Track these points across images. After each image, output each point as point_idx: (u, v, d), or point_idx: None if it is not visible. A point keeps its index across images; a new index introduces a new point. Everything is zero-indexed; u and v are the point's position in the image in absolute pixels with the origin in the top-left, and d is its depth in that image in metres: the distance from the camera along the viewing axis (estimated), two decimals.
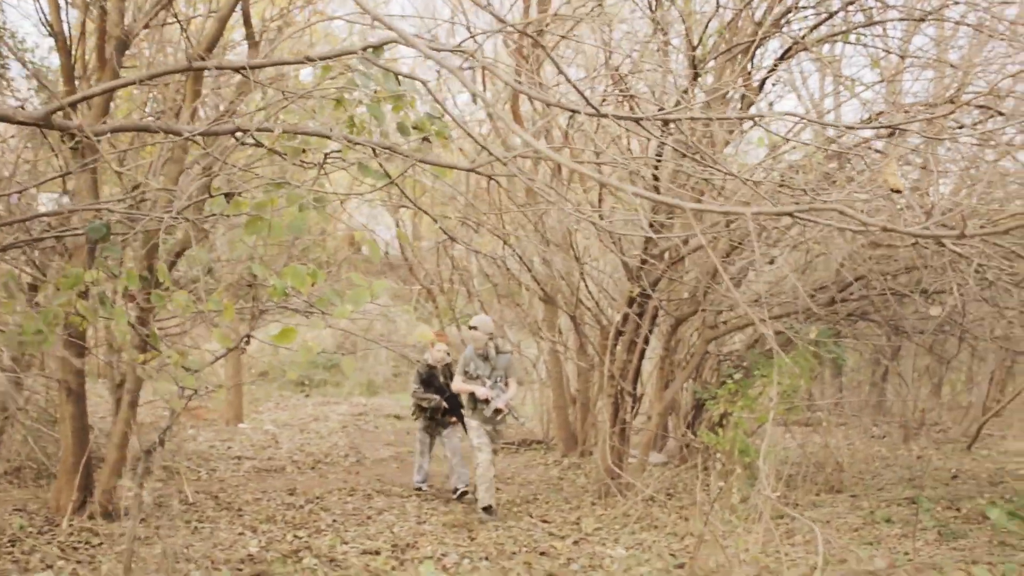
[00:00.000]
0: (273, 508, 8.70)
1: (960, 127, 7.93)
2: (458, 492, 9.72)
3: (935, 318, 9.01)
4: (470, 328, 9.19)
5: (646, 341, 10.00)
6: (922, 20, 8.33)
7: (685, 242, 9.02)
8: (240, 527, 7.87)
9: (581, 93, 3.47)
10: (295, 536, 7.71)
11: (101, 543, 7.17)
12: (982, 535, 8.21)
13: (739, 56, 8.93)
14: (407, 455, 12.09)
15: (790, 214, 3.22)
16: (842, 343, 11.20)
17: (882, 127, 6.52)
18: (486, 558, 7.33)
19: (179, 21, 7.00)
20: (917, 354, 15.24)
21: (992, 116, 7.54)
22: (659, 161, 8.48)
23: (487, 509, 8.88)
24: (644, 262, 9.08)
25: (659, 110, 8.60)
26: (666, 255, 9.20)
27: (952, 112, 7.61)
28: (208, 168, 6.83)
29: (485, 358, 9.21)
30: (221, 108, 7.74)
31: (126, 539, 3.90)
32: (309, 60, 3.76)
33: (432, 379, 10.03)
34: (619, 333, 9.82)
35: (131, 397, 7.72)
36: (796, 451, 10.79)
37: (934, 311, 7.87)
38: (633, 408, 10.14)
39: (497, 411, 9.05)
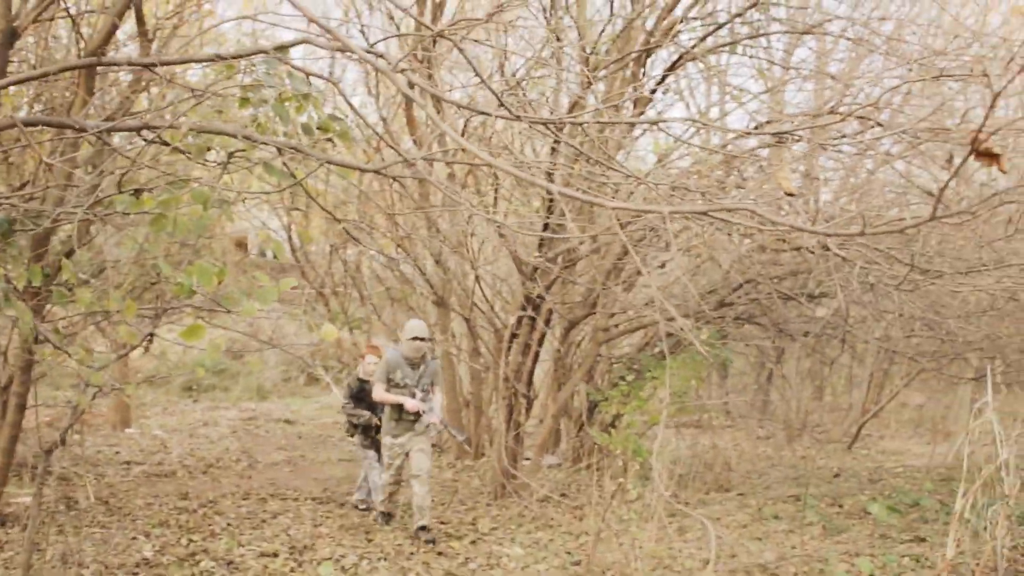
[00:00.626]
0: (166, 513, 8.59)
1: (842, 137, 8.26)
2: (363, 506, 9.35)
3: (820, 320, 9.37)
4: (413, 339, 8.34)
5: (540, 343, 10.16)
6: (805, 33, 8.68)
7: (580, 245, 9.21)
8: (133, 532, 7.76)
9: (498, 97, 3.58)
10: (189, 540, 7.64)
11: None
12: (864, 529, 8.58)
13: (631, 65, 9.16)
14: (299, 459, 12.03)
15: (705, 212, 3.37)
16: (729, 346, 11.54)
17: (771, 134, 6.78)
18: (384, 559, 7.38)
19: (71, 16, 6.88)
20: (800, 357, 15.75)
21: (871, 127, 7.89)
22: (553, 165, 8.64)
23: (385, 516, 8.66)
24: (537, 266, 9.23)
25: (551, 115, 8.80)
26: (559, 258, 9.34)
27: (836, 123, 7.95)
28: (96, 166, 6.76)
29: (417, 365, 8.44)
30: (112, 106, 7.63)
31: (25, 543, 3.86)
32: (220, 58, 3.79)
33: (363, 394, 9.24)
34: (513, 336, 9.95)
35: (18, 400, 7.55)
36: (686, 451, 11.08)
37: (820, 312, 8.21)
38: (527, 410, 10.29)
39: (430, 425, 8.38)
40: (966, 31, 8.93)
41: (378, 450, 9.22)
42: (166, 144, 4.55)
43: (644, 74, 9.21)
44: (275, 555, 7.27)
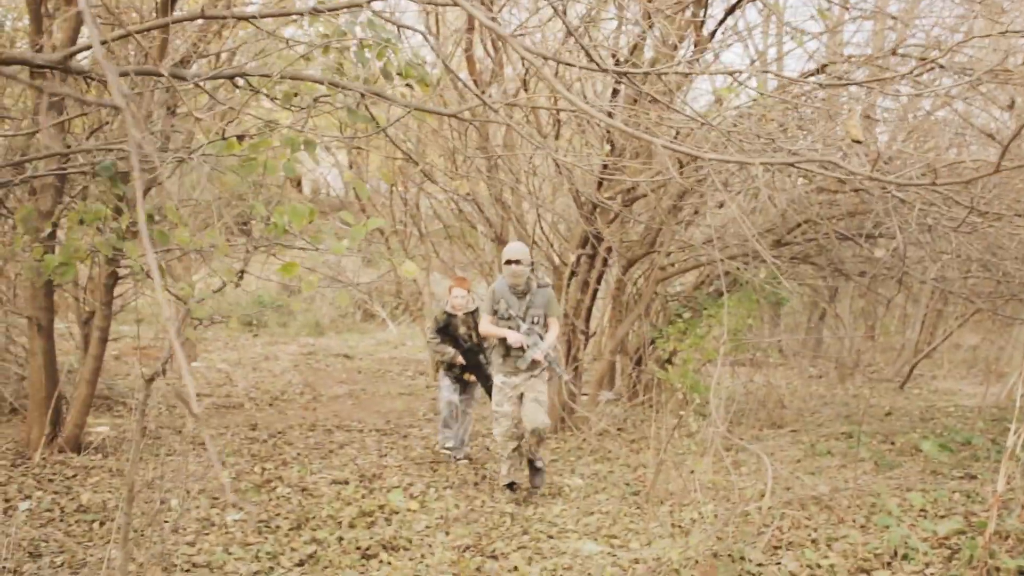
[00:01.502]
0: (238, 443, 9.00)
1: (901, 77, 8.34)
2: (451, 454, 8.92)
3: (877, 260, 9.52)
4: (507, 263, 7.45)
5: (598, 281, 10.41)
6: None
7: (638, 184, 9.40)
8: (207, 460, 8.16)
9: (584, 47, 3.78)
10: (263, 468, 8.04)
11: (75, 475, 7.45)
12: (915, 466, 8.80)
13: (691, 5, 9.26)
14: (360, 392, 12.42)
15: (792, 164, 3.58)
16: (784, 285, 11.73)
17: (825, 84, 6.92)
18: (450, 487, 7.74)
19: None
20: (854, 297, 15.89)
21: (931, 68, 7.97)
22: (614, 106, 8.82)
23: (510, 486, 7.75)
24: (597, 204, 9.42)
25: (621, 61, 8.94)
26: (619, 197, 9.53)
27: (895, 65, 8.05)
28: (171, 110, 7.06)
29: (523, 294, 7.58)
30: (182, 51, 7.89)
31: (128, 470, 4.19)
32: (316, 11, 4.03)
33: (450, 328, 8.76)
34: (572, 273, 10.20)
35: (100, 333, 7.95)
36: (740, 389, 11.32)
37: (878, 252, 8.37)
38: (585, 346, 10.57)
39: (534, 362, 7.51)
40: None
41: (464, 391, 8.99)
42: (256, 91, 4.83)
43: (705, 14, 9.31)
44: (346, 483, 7.64)
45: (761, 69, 8.19)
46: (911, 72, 8.27)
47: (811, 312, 16.85)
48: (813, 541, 6.24)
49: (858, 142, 3.73)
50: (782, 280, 9.92)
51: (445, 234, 13.07)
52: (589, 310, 10.45)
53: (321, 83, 4.62)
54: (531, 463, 7.79)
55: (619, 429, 10.09)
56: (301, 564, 5.69)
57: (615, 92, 9.22)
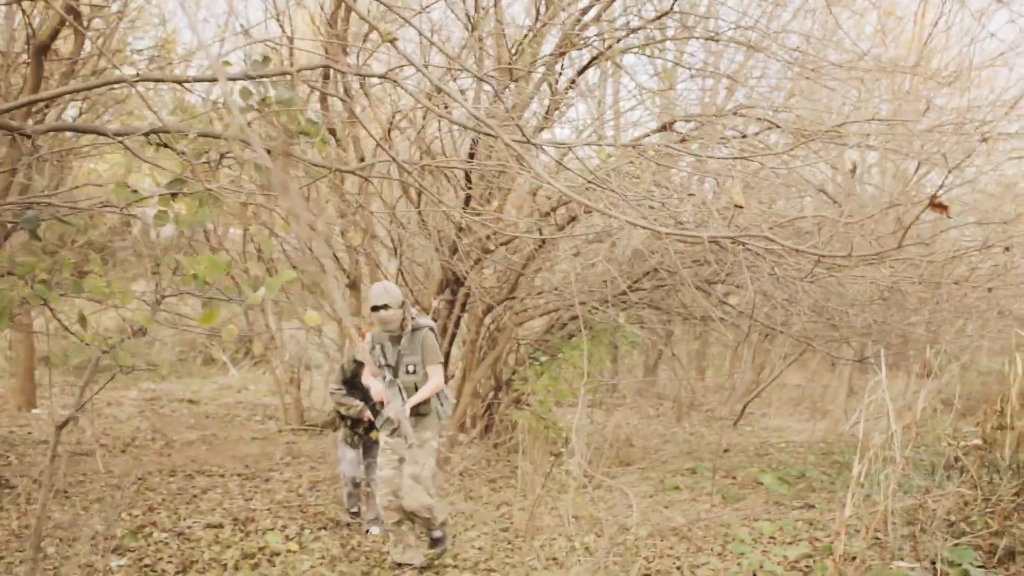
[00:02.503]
0: (99, 489, 8.98)
1: (743, 136, 9.11)
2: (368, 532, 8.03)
3: (731, 306, 10.28)
4: (373, 309, 6.59)
5: (456, 326, 10.83)
6: (709, 39, 9.49)
7: (494, 234, 9.88)
8: (70, 508, 8.16)
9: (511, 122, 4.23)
10: (130, 515, 8.08)
11: None
12: (759, 498, 9.52)
13: (544, 68, 9.86)
14: (212, 438, 12.42)
15: (734, 239, 4.07)
16: (626, 329, 12.40)
17: (705, 157, 7.58)
18: (324, 528, 7.97)
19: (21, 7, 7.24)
20: (689, 339, 16.81)
21: (769, 128, 8.76)
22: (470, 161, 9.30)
23: (398, 567, 6.92)
24: (457, 251, 9.85)
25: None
26: (479, 244, 9.98)
27: (729, 120, 8.82)
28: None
29: (397, 339, 6.74)
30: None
31: (38, 517, 4.36)
32: (250, 77, 4.34)
33: (357, 380, 7.91)
34: (433, 318, 10.58)
35: None
36: (591, 428, 11.91)
37: (733, 300, 9.07)
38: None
39: (389, 421, 6.68)
40: (844, 38, 9.92)
41: (369, 453, 8.23)
42: (167, 147, 5.08)
43: (559, 74, 9.91)
44: (220, 526, 7.78)
45: (591, 141, 8.82)
46: (756, 133, 9.09)
47: (647, 354, 17.69)
48: (678, 568, 6.79)
49: (740, 207, 4.26)
50: (623, 324, 10.55)
51: (298, 281, 13.23)
52: (448, 354, 10.85)
53: (232, 140, 4.93)
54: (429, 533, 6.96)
55: (476, 470, 10.48)
56: None
57: (474, 144, 9.69)
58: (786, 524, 8.12)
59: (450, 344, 10.82)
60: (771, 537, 7.67)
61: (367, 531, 8.00)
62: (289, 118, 5.16)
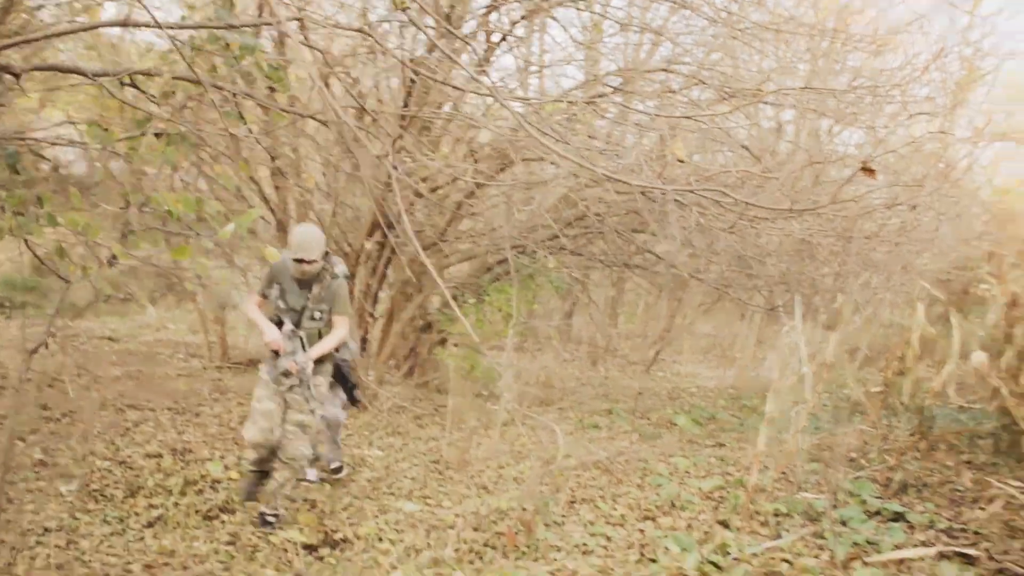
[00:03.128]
0: (32, 422, 9.18)
1: (671, 92, 9.57)
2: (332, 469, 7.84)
3: (655, 255, 10.81)
4: (297, 261, 6.19)
5: (386, 267, 11.19)
6: None
7: (425, 179, 10.22)
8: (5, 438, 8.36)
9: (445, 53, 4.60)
10: (68, 446, 8.32)
11: None
12: (673, 437, 10.13)
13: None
14: (138, 373, 12.62)
15: (692, 191, 4.49)
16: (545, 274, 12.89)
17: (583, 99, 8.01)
18: None
19: None
20: (605, 286, 17.39)
21: (696, 84, 9.23)
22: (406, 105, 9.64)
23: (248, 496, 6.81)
24: (390, 191, 10.16)
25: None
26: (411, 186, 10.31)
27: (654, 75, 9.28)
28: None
29: (306, 284, 6.37)
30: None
31: (5, 442, 4.67)
32: (233, 27, 4.65)
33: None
34: (363, 259, 10.92)
35: None
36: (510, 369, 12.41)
37: (659, 248, 9.58)
38: (372, 328, 11.32)
39: (286, 374, 6.26)
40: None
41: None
42: (136, 88, 5.36)
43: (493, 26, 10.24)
44: (160, 456, 8.08)
45: (512, 96, 9.22)
46: (681, 89, 9.55)
47: (565, 300, 18.25)
48: (601, 497, 7.34)
49: (681, 161, 4.70)
50: (551, 268, 11.04)
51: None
52: (376, 295, 11.22)
53: (199, 83, 5.23)
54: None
55: (403, 406, 10.89)
56: (151, 525, 6.23)
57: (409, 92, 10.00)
58: (700, 460, 8.72)
59: (380, 285, 11.18)
60: (686, 471, 8.26)
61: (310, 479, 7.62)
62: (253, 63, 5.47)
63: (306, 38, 9.77)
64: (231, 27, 4.55)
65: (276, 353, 6.31)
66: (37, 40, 4.32)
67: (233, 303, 13.98)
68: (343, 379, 7.27)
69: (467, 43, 9.96)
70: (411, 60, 9.45)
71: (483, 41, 10.14)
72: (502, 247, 10.09)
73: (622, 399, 12.75)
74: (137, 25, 4.36)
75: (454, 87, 8.18)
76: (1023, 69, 19.87)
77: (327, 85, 10.14)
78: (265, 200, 12.07)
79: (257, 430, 6.39)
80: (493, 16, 10.17)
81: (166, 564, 5.55)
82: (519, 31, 10.64)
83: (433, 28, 9.35)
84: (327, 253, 6.43)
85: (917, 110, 9.97)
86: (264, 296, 6.47)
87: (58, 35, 4.79)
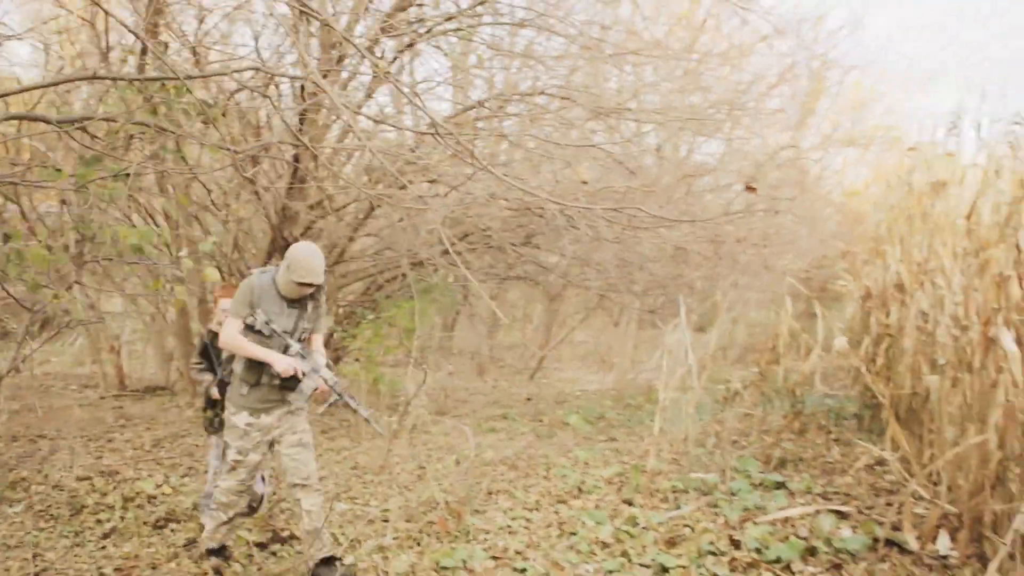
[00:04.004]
0: None
1: (547, 113, 10.45)
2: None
3: (542, 266, 11.68)
4: (301, 285, 5.64)
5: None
6: (519, 25, 10.79)
7: (319, 203, 10.87)
8: None
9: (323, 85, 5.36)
10: None
11: None
12: (567, 435, 11.00)
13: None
14: (37, 406, 12.83)
15: (617, 210, 5.27)
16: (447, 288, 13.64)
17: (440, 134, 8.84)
18: (187, 476, 8.88)
19: None
20: (489, 298, 18.22)
21: (567, 103, 10.13)
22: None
23: (217, 552, 6.29)
24: (287, 214, 10.80)
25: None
26: (306, 211, 10.95)
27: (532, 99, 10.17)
28: None
29: (295, 304, 5.82)
30: None
31: None
32: (189, 77, 5.32)
33: (209, 351, 7.08)
34: None
35: None
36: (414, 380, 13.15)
37: (553, 260, 10.44)
38: None
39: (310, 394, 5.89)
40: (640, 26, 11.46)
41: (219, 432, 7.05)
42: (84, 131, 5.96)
43: (380, 56, 10.97)
44: (89, 478, 8.54)
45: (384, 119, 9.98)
46: (557, 110, 10.43)
47: (447, 314, 19.02)
48: (514, 488, 8.15)
49: (584, 183, 5.53)
50: (450, 283, 11.80)
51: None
52: None
53: (148, 126, 5.87)
54: (321, 565, 5.92)
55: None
56: (107, 536, 6.78)
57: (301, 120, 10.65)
58: (596, 453, 9.60)
59: None
60: (586, 462, 9.13)
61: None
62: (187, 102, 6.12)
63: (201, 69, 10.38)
64: (189, 77, 5.21)
65: (265, 381, 5.79)
66: (17, 93, 4.89)
67: (128, 333, 14.31)
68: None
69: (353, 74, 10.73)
70: (302, 90, 10.15)
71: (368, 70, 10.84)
72: (399, 263, 10.79)
73: (514, 405, 13.59)
74: (103, 79, 4.99)
75: (357, 111, 8.88)
76: (865, 80, 21.44)
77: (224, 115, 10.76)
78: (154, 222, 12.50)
79: (237, 483, 5.98)
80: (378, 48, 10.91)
81: (134, 567, 6.13)
82: (396, 65, 11.36)
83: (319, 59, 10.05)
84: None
85: (770, 121, 11.09)
86: (249, 326, 5.75)
87: (36, 88, 5.37)
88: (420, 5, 10.80)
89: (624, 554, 6.22)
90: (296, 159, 10.65)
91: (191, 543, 6.65)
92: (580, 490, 7.97)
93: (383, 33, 10.59)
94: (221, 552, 6.24)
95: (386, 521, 7.12)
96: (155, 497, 7.93)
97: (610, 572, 5.87)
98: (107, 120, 5.42)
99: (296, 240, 10.78)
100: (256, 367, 5.75)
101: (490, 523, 7.02)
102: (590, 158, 10.65)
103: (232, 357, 6.21)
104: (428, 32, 10.59)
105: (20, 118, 5.16)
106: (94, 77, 4.92)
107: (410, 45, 11.01)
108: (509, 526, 6.97)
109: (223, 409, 6.30)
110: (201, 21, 9.98)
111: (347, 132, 11.06)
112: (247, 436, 5.84)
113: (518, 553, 6.30)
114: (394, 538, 6.62)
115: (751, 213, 10.46)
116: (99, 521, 7.16)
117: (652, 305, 13.37)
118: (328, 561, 5.86)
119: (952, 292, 7.17)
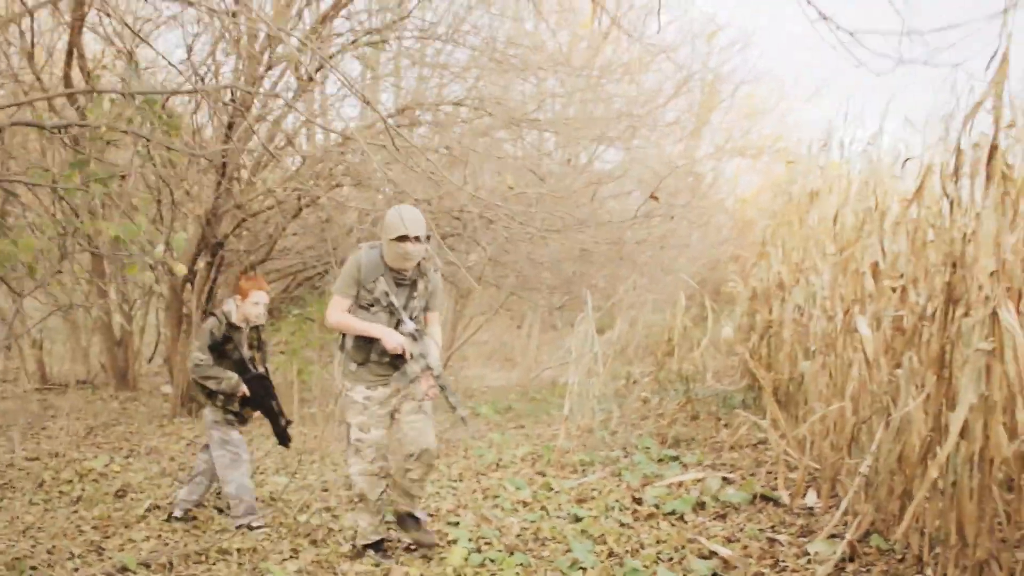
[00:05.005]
0: None
1: (463, 121, 11.53)
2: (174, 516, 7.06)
3: (457, 264, 12.71)
4: (400, 239, 5.40)
5: (215, 283, 12.63)
6: (443, 40, 11.84)
7: (246, 204, 11.76)
8: None
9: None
10: None
11: None
12: (480, 423, 12.09)
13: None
14: None
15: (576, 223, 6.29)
16: None
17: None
18: (131, 457, 9.68)
19: None
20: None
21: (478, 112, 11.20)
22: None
23: (376, 546, 6.06)
24: (216, 213, 11.63)
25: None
26: (236, 210, 11.80)
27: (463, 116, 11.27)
28: None
29: (404, 281, 5.69)
30: None
31: None
32: (157, 92, 6.26)
33: (228, 348, 6.78)
34: (189, 279, 12.28)
35: None
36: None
37: (472, 258, 11.47)
38: None
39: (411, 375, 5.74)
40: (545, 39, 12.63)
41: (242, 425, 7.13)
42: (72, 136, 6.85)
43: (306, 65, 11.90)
44: (37, 458, 9.26)
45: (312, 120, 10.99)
46: (472, 119, 11.51)
47: None
48: (437, 465, 9.20)
49: (511, 188, 6.57)
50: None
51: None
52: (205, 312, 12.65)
53: (126, 133, 6.78)
54: (405, 516, 6.14)
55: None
56: (76, 502, 7.64)
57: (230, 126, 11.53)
58: (508, 437, 10.70)
59: (207, 300, 12.61)
60: (500, 444, 10.23)
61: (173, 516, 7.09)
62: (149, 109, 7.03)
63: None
64: (175, 92, 6.16)
65: (375, 357, 5.75)
66: (22, 105, 5.74)
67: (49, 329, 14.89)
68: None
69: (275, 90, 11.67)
70: (231, 98, 11.03)
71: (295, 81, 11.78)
72: (324, 260, 11.74)
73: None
74: (103, 92, 5.92)
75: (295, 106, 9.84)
76: (758, 92, 22.99)
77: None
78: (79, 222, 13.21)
79: (367, 465, 5.86)
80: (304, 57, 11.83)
81: (108, 526, 7.01)
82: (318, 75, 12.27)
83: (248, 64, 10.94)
84: (428, 236, 5.65)
85: (667, 132, 12.34)
86: (358, 297, 5.69)
87: (39, 100, 6.25)
88: (347, 18, 11.78)
89: (543, 509, 7.35)
90: (224, 164, 11.55)
91: (154, 507, 7.52)
92: (498, 465, 9.07)
93: (312, 41, 11.55)
94: (380, 546, 6.07)
95: (326, 491, 8.12)
96: (106, 474, 8.72)
97: (532, 522, 6.98)
98: (85, 126, 6.33)
99: (226, 238, 11.70)
100: (365, 345, 5.70)
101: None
102: (500, 163, 11.80)
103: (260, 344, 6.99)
104: (354, 43, 11.58)
105: (23, 124, 6.04)
106: (92, 91, 5.84)
107: (333, 55, 11.98)
108: (438, 492, 8.04)
109: (246, 407, 6.87)
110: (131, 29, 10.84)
111: (273, 135, 11.99)
112: (367, 410, 5.78)
113: (450, 511, 7.38)
114: (336, 504, 7.62)
115: (650, 217, 11.65)
116: (62, 492, 7.96)
117: (559, 302, 14.53)
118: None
119: (822, 288, 8.48)
